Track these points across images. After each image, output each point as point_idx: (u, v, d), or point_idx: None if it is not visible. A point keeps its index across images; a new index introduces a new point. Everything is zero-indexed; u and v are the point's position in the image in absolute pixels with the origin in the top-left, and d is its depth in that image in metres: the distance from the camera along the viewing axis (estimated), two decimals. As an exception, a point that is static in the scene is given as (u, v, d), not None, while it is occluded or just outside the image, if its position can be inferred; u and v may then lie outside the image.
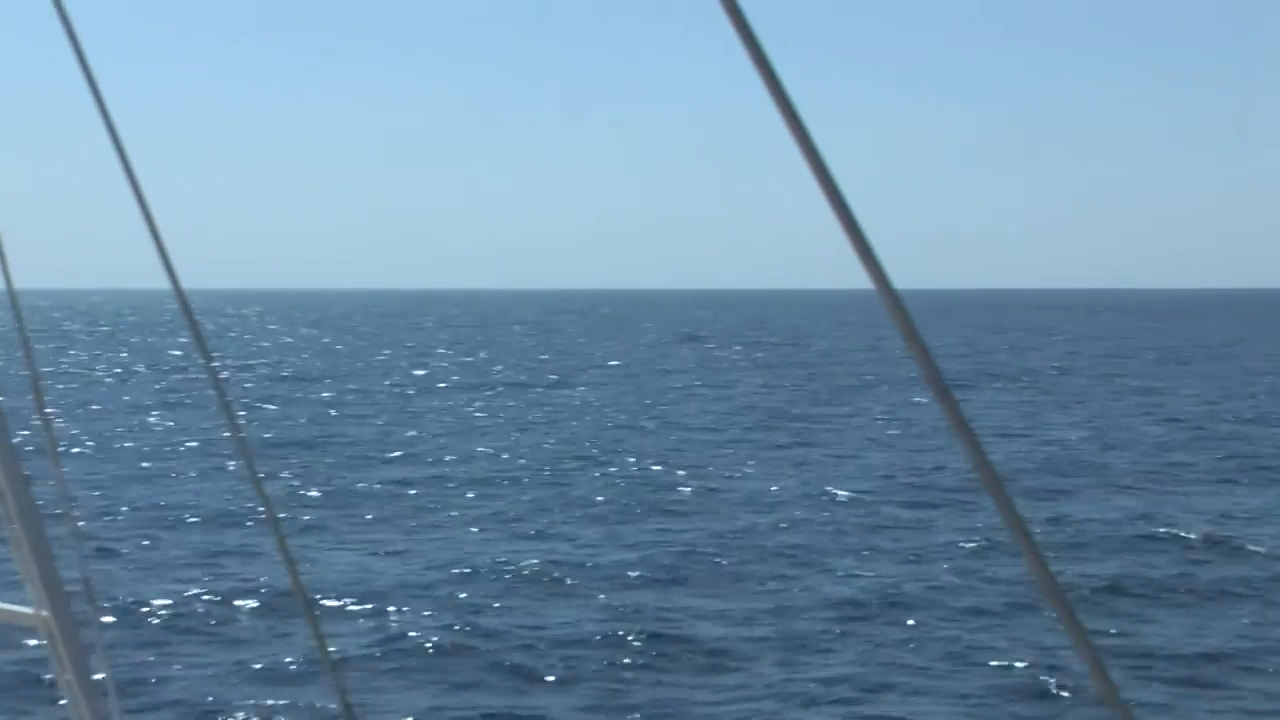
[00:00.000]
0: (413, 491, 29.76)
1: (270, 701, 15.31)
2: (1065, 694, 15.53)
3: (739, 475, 32.26)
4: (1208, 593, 20.35)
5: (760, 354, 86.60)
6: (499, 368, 73.53)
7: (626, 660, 17.00)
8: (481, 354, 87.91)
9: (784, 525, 25.49)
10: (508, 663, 16.92)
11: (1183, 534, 24.25)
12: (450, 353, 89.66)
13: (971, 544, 23.17)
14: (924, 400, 53.68)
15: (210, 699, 15.47)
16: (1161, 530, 24.61)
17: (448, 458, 35.61)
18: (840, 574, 21.62)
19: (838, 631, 18.33)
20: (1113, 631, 18.16)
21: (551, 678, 16.42)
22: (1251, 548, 23.27)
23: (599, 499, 28.80)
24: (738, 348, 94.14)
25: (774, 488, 30.10)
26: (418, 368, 74.22)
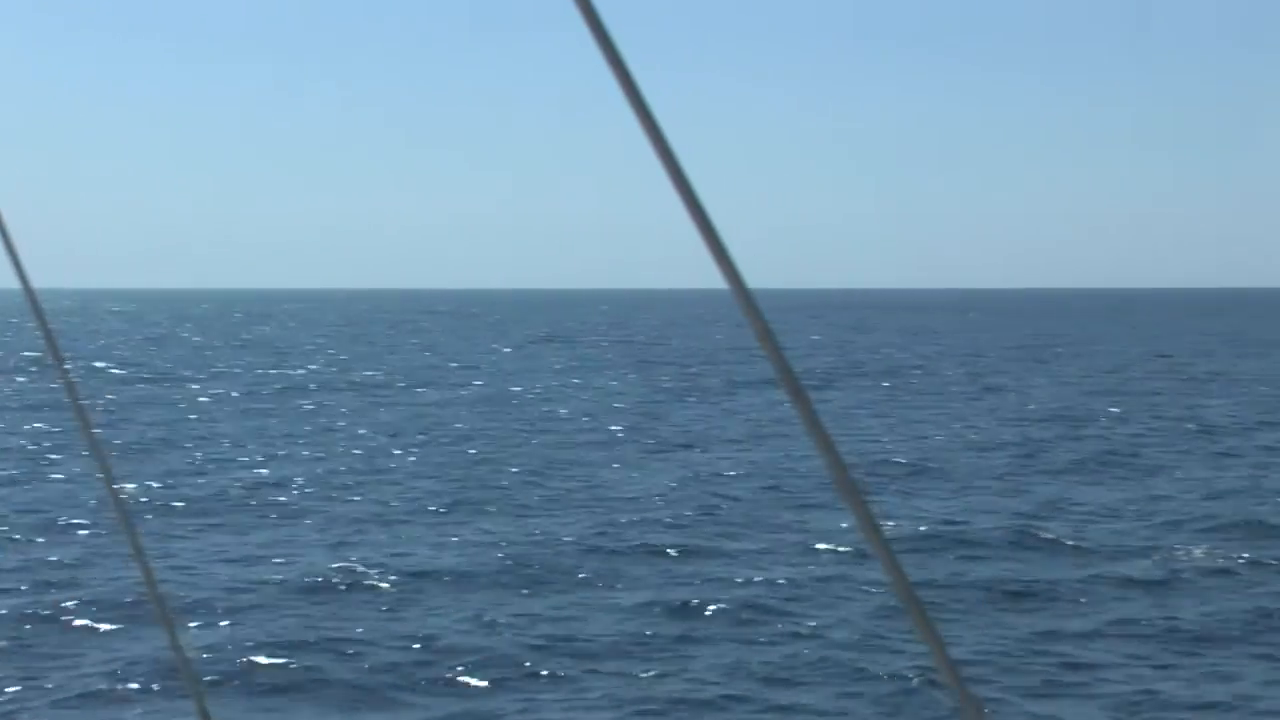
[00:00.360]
0: (272, 496, 29.33)
1: (123, 717, 14.92)
2: (923, 697, 15.69)
3: (608, 474, 32.26)
4: (1055, 592, 20.65)
5: (629, 352, 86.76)
6: (365, 368, 72.77)
7: (490, 665, 16.88)
8: (343, 355, 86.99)
9: (656, 525, 25.49)
10: (371, 670, 16.70)
11: (1032, 533, 24.72)
12: (315, 352, 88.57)
13: (844, 546, 23.31)
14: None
15: (58, 717, 14.99)
16: (1013, 529, 25.08)
17: (305, 459, 35.21)
18: (709, 576, 21.66)
19: (702, 634, 18.33)
20: (969, 635, 18.35)
21: (414, 686, 16.25)
22: (1092, 544, 23.74)
23: (461, 500, 28.63)
24: (605, 345, 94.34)
25: (643, 487, 30.13)
26: (279, 368, 73.24)
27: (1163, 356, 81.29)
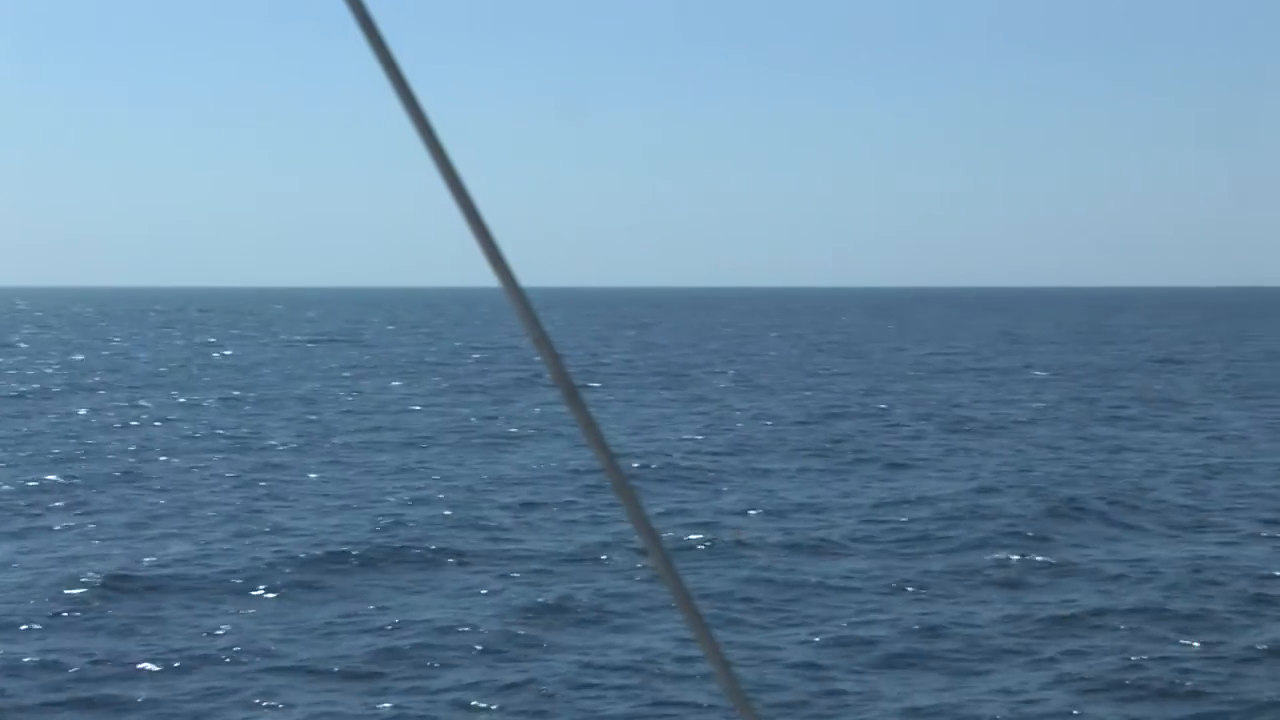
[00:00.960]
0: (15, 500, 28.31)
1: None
2: (700, 698, 15.82)
3: (374, 478, 31.84)
4: (824, 588, 21.02)
5: (408, 352, 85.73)
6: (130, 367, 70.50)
7: (240, 670, 16.54)
8: (104, 352, 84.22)
9: (432, 527, 25.24)
10: (139, 674, 16.22)
11: (791, 531, 25.22)
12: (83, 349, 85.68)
13: (633, 544, 23.34)
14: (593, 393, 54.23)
15: None
16: (773, 528, 25.57)
17: (51, 461, 34.10)
18: (494, 577, 21.55)
19: (483, 639, 18.23)
20: (743, 634, 18.55)
21: (163, 692, 15.82)
22: (847, 540, 24.27)
23: (221, 500, 28.02)
24: (383, 344, 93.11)
25: (408, 490, 29.81)
26: (32, 367, 70.66)
27: (942, 354, 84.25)
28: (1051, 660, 16.96)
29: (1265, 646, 17.37)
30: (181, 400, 51.44)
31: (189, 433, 40.57)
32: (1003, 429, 41.77)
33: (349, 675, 16.43)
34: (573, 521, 26.08)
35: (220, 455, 35.43)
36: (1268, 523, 25.79)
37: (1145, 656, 16.98)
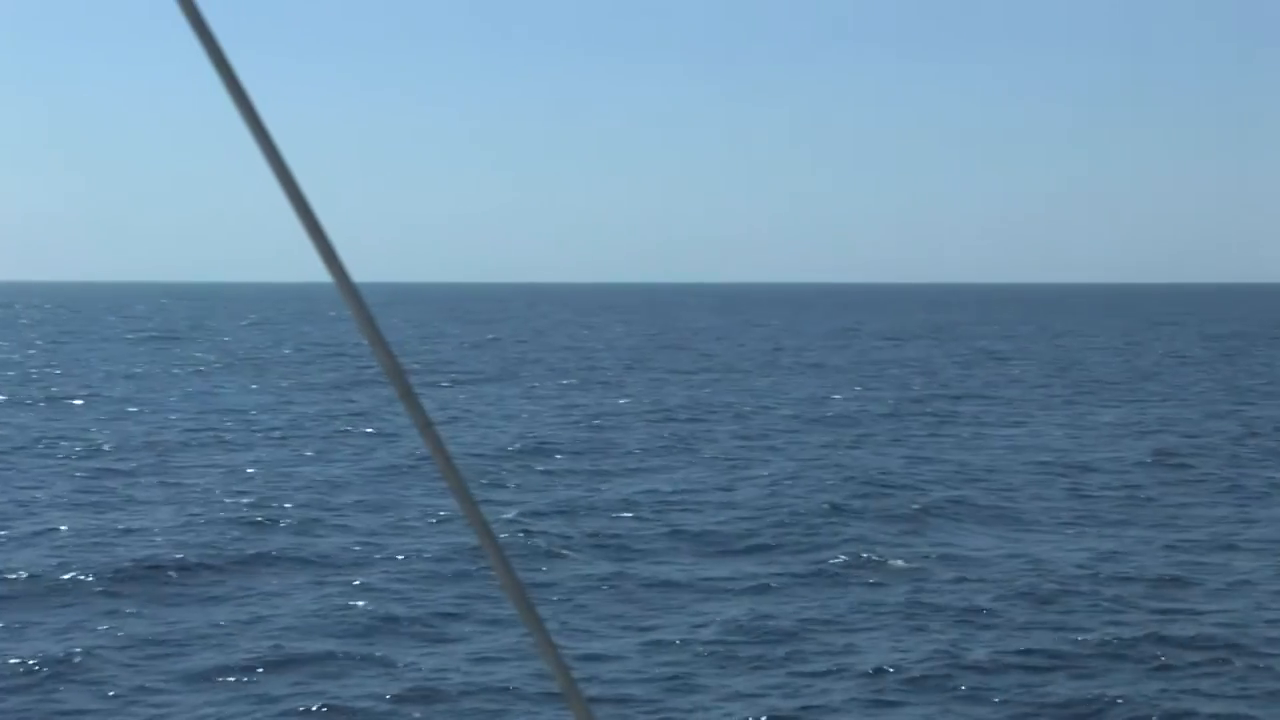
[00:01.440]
0: None
1: None
2: (535, 696, 15.81)
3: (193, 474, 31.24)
4: (662, 585, 21.11)
5: (248, 348, 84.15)
6: None
7: (78, 679, 16.15)
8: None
9: (269, 530, 24.84)
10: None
11: (614, 528, 25.40)
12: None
13: (470, 544, 23.19)
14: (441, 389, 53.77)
15: None
16: (617, 518, 25.69)
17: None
18: (330, 582, 21.28)
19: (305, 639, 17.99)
20: (579, 631, 18.57)
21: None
22: (687, 537, 24.43)
23: (52, 505, 27.29)
24: (209, 344, 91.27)
25: (244, 492, 29.32)
26: None
27: (778, 349, 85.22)
28: (879, 656, 17.18)
29: (1077, 645, 17.74)
30: (2, 398, 49.92)
31: (15, 436, 39.37)
32: (832, 426, 42.30)
33: (187, 684, 16.09)
34: (409, 522, 25.86)
35: (52, 459, 34.46)
36: (1069, 524, 26.32)
37: (968, 652, 17.28)
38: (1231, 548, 23.71)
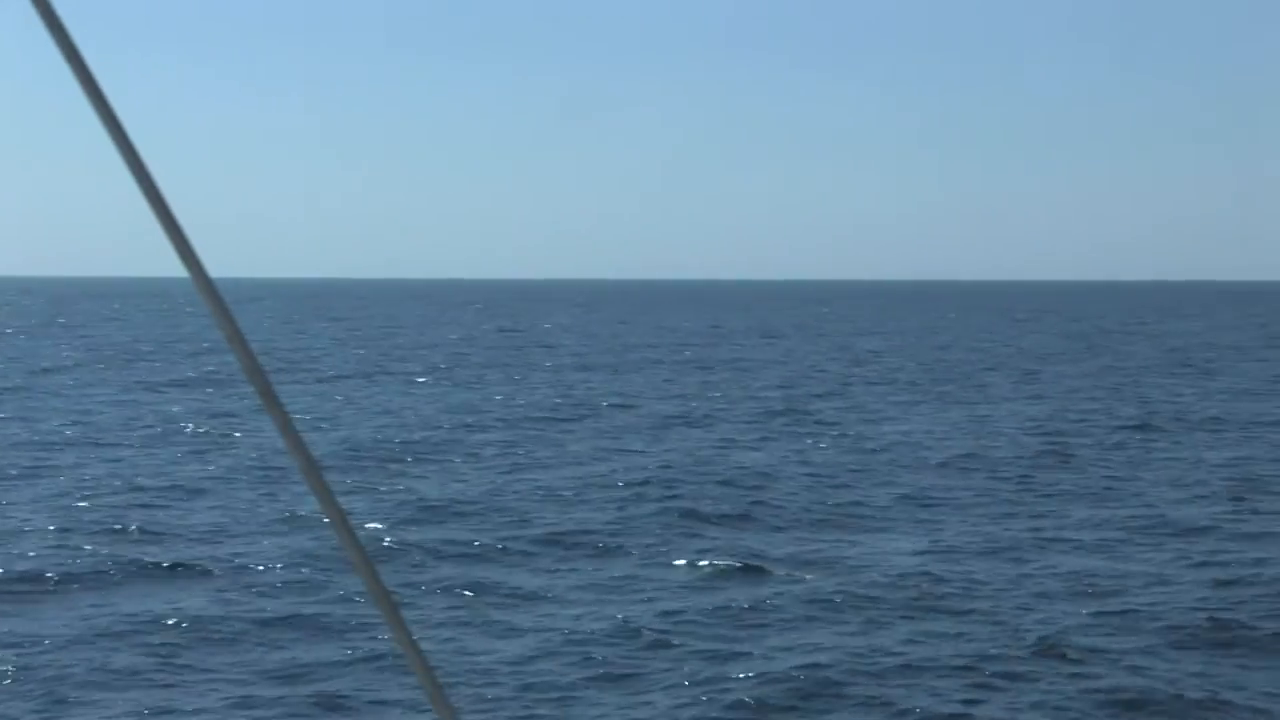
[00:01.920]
0: None
1: None
2: (402, 702, 15.71)
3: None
4: (520, 586, 21.08)
5: (98, 345, 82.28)
6: None
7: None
8: None
9: (119, 535, 24.33)
10: None
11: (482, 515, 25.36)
12: None
13: (333, 545, 22.89)
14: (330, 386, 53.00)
15: None
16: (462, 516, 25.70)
17: None
18: (190, 585, 20.91)
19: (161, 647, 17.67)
20: (443, 632, 18.49)
21: None
22: (539, 538, 24.37)
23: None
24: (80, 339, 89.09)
25: (92, 492, 28.70)
26: None
27: (651, 346, 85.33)
28: (734, 657, 17.27)
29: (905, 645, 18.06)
30: None
31: None
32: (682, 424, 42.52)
33: (26, 696, 15.72)
34: (268, 524, 25.52)
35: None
36: (919, 521, 26.62)
37: (809, 652, 17.44)
38: (1065, 546, 24.02)
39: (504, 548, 23.53)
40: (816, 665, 16.65)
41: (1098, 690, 15.83)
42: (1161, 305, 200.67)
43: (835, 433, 40.32)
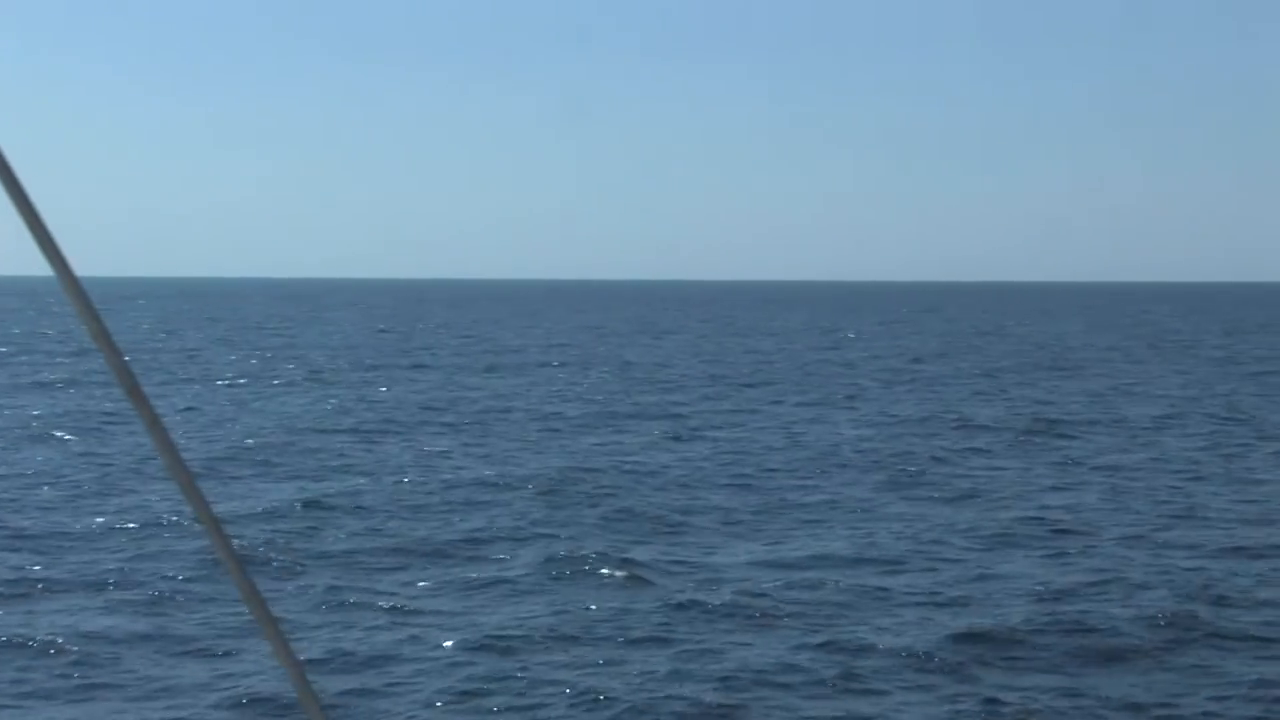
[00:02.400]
0: None
1: None
2: (269, 698, 15.53)
3: None
4: (390, 585, 20.96)
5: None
6: None
7: None
8: None
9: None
10: None
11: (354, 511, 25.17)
12: None
13: (203, 543, 22.51)
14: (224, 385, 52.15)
15: None
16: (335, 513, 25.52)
17: None
18: (54, 590, 20.47)
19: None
20: (312, 630, 18.36)
21: None
22: (409, 538, 24.28)
23: None
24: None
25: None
26: None
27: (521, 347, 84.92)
28: (623, 661, 17.30)
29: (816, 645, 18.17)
30: None
31: None
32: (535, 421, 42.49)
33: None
34: (137, 524, 25.08)
35: None
36: (808, 523, 26.66)
37: (675, 660, 17.52)
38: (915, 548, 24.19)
39: (371, 552, 23.24)
40: (679, 673, 16.58)
41: (960, 697, 15.95)
42: (1039, 307, 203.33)
43: (702, 435, 40.40)
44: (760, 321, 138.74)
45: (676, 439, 39.05)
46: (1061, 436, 39.96)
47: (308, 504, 27.22)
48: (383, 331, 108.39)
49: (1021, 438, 39.33)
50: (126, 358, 2.24)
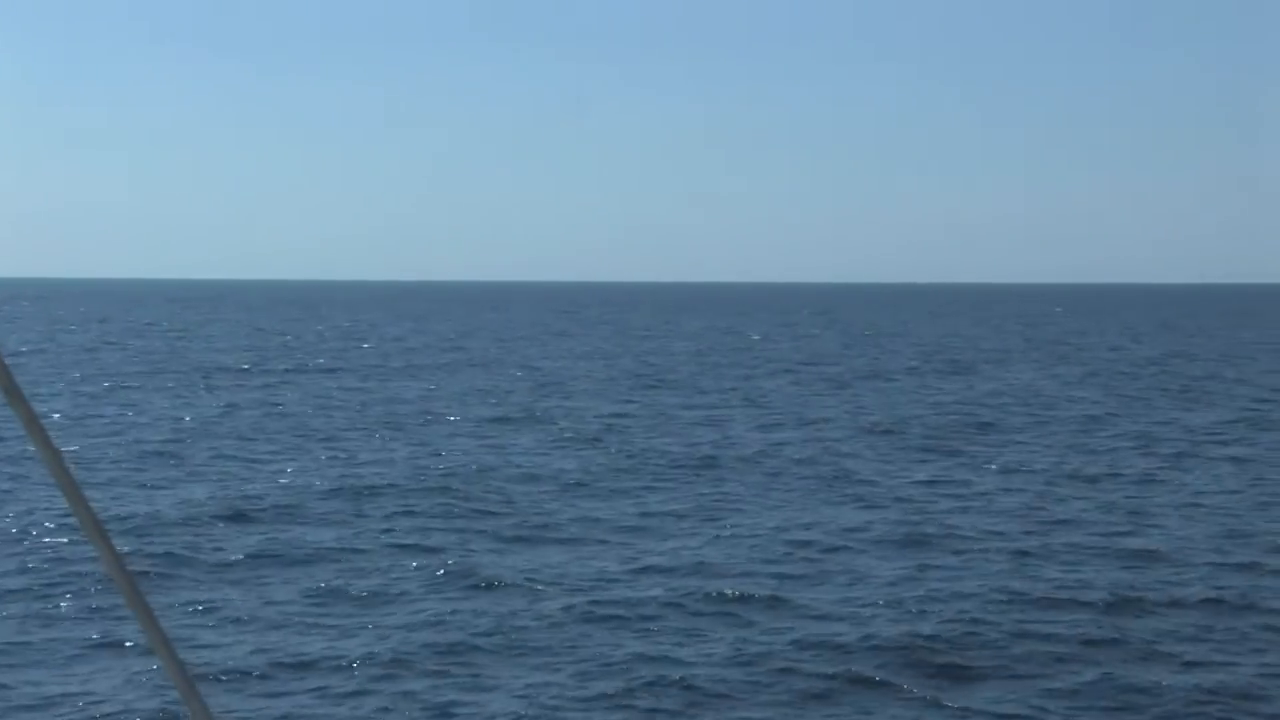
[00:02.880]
0: None
1: None
2: (152, 701, 15.34)
3: None
4: (275, 583, 20.76)
5: None
6: None
7: None
8: None
9: None
10: None
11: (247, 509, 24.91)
12: None
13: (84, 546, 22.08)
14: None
15: None
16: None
17: None
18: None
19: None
20: (194, 626, 18.16)
21: None
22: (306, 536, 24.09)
23: None
24: None
25: None
26: None
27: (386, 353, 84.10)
28: (471, 675, 17.17)
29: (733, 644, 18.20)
30: None
31: None
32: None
33: None
34: (19, 531, 24.58)
35: None
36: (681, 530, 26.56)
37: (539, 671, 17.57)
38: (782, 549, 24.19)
39: (258, 561, 22.85)
40: (549, 685, 16.48)
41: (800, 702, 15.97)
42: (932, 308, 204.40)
43: (571, 435, 40.40)
44: (657, 324, 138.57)
45: (566, 442, 39.08)
46: (932, 441, 40.20)
47: (192, 513, 26.73)
48: (278, 335, 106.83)
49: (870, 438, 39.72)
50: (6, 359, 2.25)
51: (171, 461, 34.20)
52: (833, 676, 16.72)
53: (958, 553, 23.87)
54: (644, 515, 27.59)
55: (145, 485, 30.39)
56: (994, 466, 34.89)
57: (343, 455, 35.83)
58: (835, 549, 24.22)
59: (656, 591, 20.75)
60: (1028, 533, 25.84)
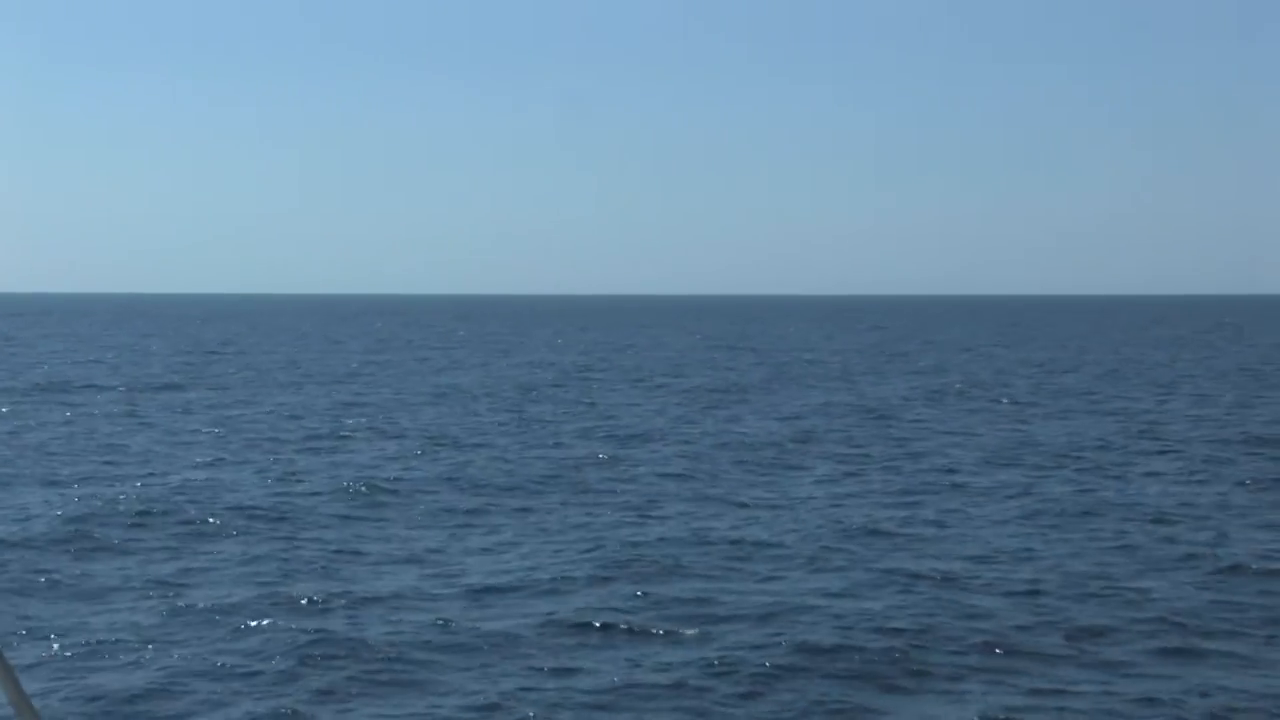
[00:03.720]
0: None
1: None
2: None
3: None
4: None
5: None
6: None
7: None
8: None
9: None
10: None
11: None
12: None
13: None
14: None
15: None
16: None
17: None
18: None
19: None
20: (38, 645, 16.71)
21: None
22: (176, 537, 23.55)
23: None
24: None
25: None
26: None
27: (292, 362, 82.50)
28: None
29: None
30: None
31: None
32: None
33: None
34: None
35: None
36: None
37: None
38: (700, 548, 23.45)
39: (110, 581, 21.14)
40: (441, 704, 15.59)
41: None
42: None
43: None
44: (574, 335, 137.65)
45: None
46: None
47: (39, 531, 24.73)
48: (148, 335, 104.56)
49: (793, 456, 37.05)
50: None
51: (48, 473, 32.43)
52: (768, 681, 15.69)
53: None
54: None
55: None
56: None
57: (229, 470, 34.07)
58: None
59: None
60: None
